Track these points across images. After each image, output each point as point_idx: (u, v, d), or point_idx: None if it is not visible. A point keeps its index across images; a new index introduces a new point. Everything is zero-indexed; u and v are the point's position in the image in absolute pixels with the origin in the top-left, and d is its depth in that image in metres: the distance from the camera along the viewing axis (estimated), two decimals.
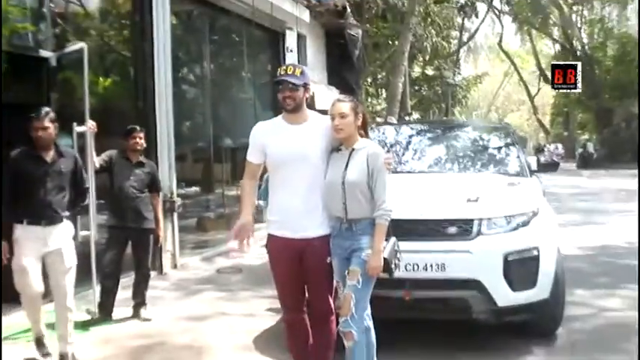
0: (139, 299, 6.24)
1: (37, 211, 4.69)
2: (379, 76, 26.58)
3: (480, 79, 38.02)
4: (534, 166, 6.46)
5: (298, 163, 4.01)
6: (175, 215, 8.46)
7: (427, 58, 30.18)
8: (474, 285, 4.77)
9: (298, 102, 4.05)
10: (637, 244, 5.33)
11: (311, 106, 4.22)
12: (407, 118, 20.49)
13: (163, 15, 8.46)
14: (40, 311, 4.86)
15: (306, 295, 4.20)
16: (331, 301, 4.19)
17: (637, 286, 4.34)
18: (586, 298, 6.66)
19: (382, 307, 4.32)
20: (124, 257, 6.20)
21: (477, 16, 35.52)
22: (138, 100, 8.39)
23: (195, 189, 10.30)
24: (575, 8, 43.40)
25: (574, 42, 42.11)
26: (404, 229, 4.45)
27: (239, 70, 12.01)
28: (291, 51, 13.15)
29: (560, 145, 45.26)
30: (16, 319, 5.70)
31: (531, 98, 52.21)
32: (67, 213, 4.88)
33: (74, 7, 7.95)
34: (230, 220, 10.46)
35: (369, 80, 24.97)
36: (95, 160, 6.02)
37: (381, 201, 3.87)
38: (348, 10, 16.38)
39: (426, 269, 4.76)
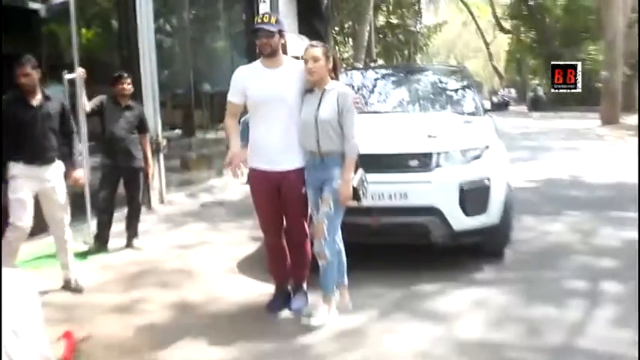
0: (132, 231, 6.35)
1: (31, 152, 4.69)
2: (346, 25, 26.33)
3: (440, 27, 37.65)
4: (488, 106, 6.61)
5: (276, 104, 4.12)
6: (161, 155, 8.48)
7: (391, 7, 29.91)
8: (433, 211, 4.94)
9: (274, 47, 4.15)
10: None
11: (283, 53, 4.32)
12: (372, 64, 20.45)
13: None
14: (19, 248, 4.82)
15: (284, 222, 4.37)
16: (306, 226, 4.36)
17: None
18: (531, 223, 6.86)
19: (352, 233, 4.48)
20: (116, 194, 6.28)
21: None
22: (122, 50, 8.33)
23: (178, 132, 10.32)
24: None
25: None
26: (371, 162, 4.60)
27: (215, 20, 11.88)
28: (264, 1, 12.98)
29: (513, 90, 45.59)
30: (25, 249, 5.76)
31: (487, 45, 52.03)
32: (57, 153, 4.88)
33: None
34: (211, 160, 10.58)
35: (337, 29, 24.75)
36: (86, 105, 6.05)
37: (350, 136, 4.01)
38: None
39: (391, 198, 4.92)
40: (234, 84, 4.26)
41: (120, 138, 6.09)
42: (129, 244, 6.30)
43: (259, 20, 4.19)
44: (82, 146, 6.02)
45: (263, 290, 4.73)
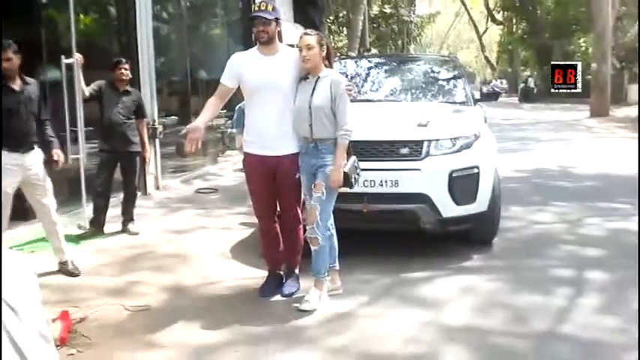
0: (128, 216, 6.34)
1: (15, 138, 4.57)
2: (340, 15, 26.24)
3: (434, 17, 37.65)
4: (478, 96, 6.62)
5: (271, 90, 4.12)
6: (157, 141, 8.45)
7: None
8: (423, 199, 4.95)
9: (271, 35, 4.14)
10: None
11: (279, 41, 4.31)
12: (366, 53, 20.40)
13: None
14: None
15: (278, 206, 4.38)
16: (299, 211, 4.38)
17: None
18: (519, 213, 6.89)
19: (344, 219, 4.50)
20: (113, 179, 6.27)
21: None
22: (121, 36, 8.28)
23: (174, 118, 10.29)
24: None
25: None
26: (363, 150, 4.66)
27: (212, 7, 11.82)
28: None
29: (504, 81, 45.54)
30: (19, 233, 5.81)
31: (479, 36, 52.09)
32: (36, 139, 4.79)
33: None
34: (205, 147, 10.55)
35: (332, 18, 24.65)
36: (85, 90, 6.02)
37: (343, 123, 4.01)
38: None
39: (382, 185, 4.93)
40: (229, 68, 4.25)
41: (117, 123, 6.06)
42: (124, 229, 6.28)
43: (257, 8, 4.20)
44: (79, 131, 6.03)
45: (256, 274, 4.75)
